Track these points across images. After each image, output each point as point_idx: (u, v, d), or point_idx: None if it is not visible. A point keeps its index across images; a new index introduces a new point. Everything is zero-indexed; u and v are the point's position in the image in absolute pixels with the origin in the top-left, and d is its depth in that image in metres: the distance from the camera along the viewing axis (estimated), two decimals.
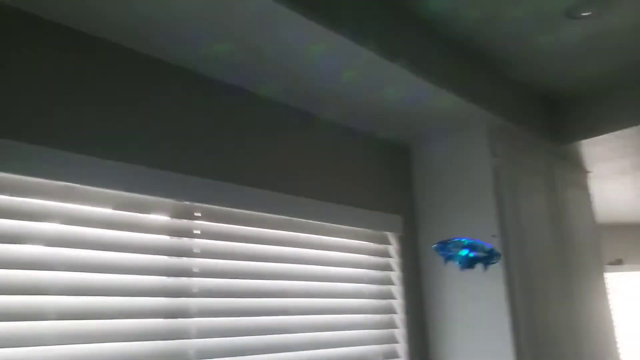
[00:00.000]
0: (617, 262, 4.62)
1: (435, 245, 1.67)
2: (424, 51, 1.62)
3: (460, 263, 1.63)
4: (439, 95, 1.68)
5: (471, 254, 1.68)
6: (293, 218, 1.63)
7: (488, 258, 1.65)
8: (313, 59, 1.43)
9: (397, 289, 1.92)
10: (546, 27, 1.71)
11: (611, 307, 4.62)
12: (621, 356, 4.43)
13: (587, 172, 2.49)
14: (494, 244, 1.67)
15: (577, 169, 2.45)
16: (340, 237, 1.79)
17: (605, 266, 4.70)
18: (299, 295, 1.60)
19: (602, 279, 2.39)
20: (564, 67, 1.99)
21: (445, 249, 1.69)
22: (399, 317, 1.88)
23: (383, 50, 1.43)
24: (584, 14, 1.68)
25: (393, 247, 1.96)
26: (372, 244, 1.89)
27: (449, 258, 1.69)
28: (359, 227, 1.83)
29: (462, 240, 1.60)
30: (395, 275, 1.93)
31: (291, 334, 1.54)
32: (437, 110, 1.80)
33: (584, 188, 2.46)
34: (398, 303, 1.90)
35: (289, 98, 1.67)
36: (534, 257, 1.93)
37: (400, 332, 1.87)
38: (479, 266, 1.50)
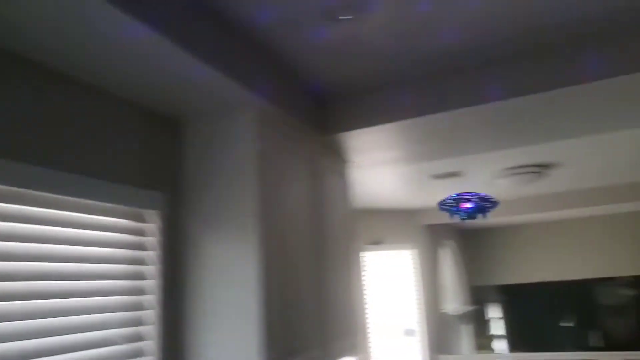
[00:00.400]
0: (377, 242, 5.30)
1: (440, 204, 1.78)
2: (192, 26, 1.56)
3: (462, 215, 1.61)
4: (207, 73, 1.65)
5: (468, 206, 1.81)
6: (23, 189, 1.42)
7: (482, 206, 1.70)
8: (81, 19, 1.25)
9: (152, 269, 1.85)
10: (306, 26, 1.81)
11: (363, 283, 5.25)
12: (369, 327, 5.08)
13: (348, 161, 2.77)
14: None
15: (339, 159, 2.70)
16: (90, 214, 1.63)
17: (361, 246, 5.35)
18: (31, 278, 1.41)
19: (356, 258, 2.67)
20: (331, 65, 2.15)
21: (449, 206, 1.79)
22: (151, 299, 1.82)
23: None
24: (343, 17, 1.83)
25: (153, 225, 1.87)
26: (128, 221, 1.78)
27: (453, 212, 1.67)
28: (114, 203, 1.69)
29: (458, 195, 1.72)
30: (152, 254, 1.86)
31: (18, 321, 1.35)
32: (204, 88, 1.77)
33: (343, 176, 2.73)
34: (152, 284, 1.83)
35: (46, 56, 1.45)
36: (291, 239, 2.05)
37: (150, 314, 1.81)
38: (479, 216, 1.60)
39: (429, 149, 2.77)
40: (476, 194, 1.93)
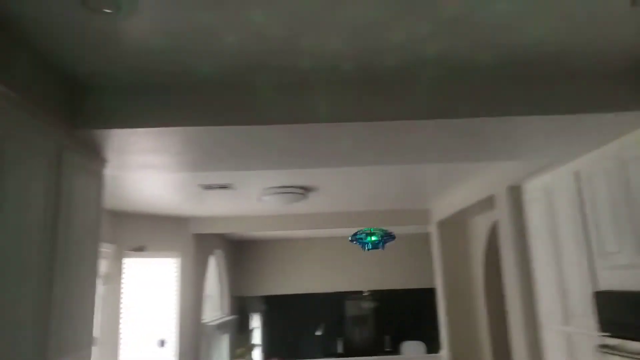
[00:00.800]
0: (139, 249, 5.07)
1: (350, 238, 3.42)
2: None
3: (368, 246, 3.22)
4: None
5: (374, 239, 3.15)
6: None
7: (385, 239, 3.50)
8: None
9: None
10: (64, 12, 1.67)
11: (120, 291, 4.95)
12: (121, 337, 4.78)
13: (105, 161, 2.61)
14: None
15: (95, 157, 2.52)
16: None
17: (123, 252, 5.07)
18: None
19: (96, 260, 2.50)
20: (92, 57, 2.01)
21: (356, 238, 3.25)
22: None
23: None
24: (106, 10, 1.75)
25: None
26: None
27: (362, 244, 3.26)
28: None
29: (366, 230, 2.84)
30: None
31: None
32: None
33: (98, 176, 2.56)
34: None
35: None
36: (16, 236, 1.82)
37: None
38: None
39: (193, 160, 2.80)
40: (381, 230, 2.78)
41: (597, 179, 2.80)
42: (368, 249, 2.76)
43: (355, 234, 2.70)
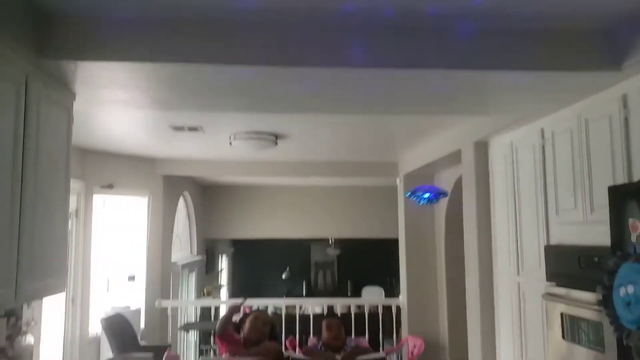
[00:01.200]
0: (109, 187, 5.04)
1: (408, 193, 3.33)
2: None
3: (424, 201, 3.05)
4: None
5: (428, 196, 3.09)
6: None
7: (438, 196, 3.24)
8: None
9: None
10: None
11: (90, 226, 4.96)
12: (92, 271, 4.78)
13: (73, 93, 2.54)
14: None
15: (63, 89, 2.45)
16: None
17: (92, 188, 5.03)
18: None
19: (66, 192, 2.48)
20: None
21: (414, 194, 3.12)
22: None
23: None
24: None
25: None
26: None
27: (418, 199, 3.11)
28: None
29: (423, 188, 2.93)
30: None
31: None
32: None
33: (65, 109, 2.49)
34: None
35: None
36: None
37: None
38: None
39: (163, 97, 2.76)
40: (431, 187, 3.17)
41: (560, 138, 2.92)
42: (423, 204, 3.08)
43: (413, 191, 3.00)
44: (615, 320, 1.99)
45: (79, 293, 4.80)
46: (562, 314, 2.73)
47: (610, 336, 2.21)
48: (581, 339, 2.56)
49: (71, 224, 4.69)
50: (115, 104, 2.95)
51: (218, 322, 3.41)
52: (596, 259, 2.41)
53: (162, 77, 2.40)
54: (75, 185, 4.68)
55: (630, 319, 1.88)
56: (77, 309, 4.77)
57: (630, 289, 1.87)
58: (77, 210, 4.81)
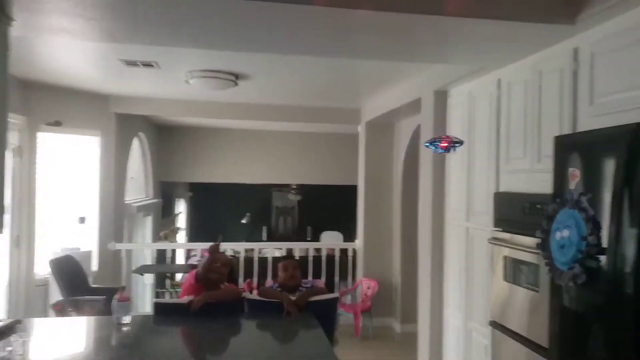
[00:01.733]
0: (56, 124, 4.80)
1: (427, 143, 3.05)
2: None
3: (440, 150, 2.97)
4: None
5: (446, 145, 2.97)
6: None
7: (455, 144, 2.99)
8: None
9: None
10: None
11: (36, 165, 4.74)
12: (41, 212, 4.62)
13: (9, 18, 2.34)
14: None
15: None
16: None
17: (37, 125, 4.79)
18: None
19: (3, 129, 2.35)
20: None
21: (432, 142, 3.01)
22: None
23: None
24: None
25: None
26: None
27: (435, 148, 2.99)
28: None
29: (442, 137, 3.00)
30: None
31: None
32: None
33: (2, 36, 2.31)
34: None
35: None
36: None
37: None
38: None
39: (110, 29, 2.59)
40: (448, 137, 3.11)
41: (515, 88, 2.95)
42: (440, 152, 3.08)
43: (432, 141, 3.02)
44: (550, 261, 2.10)
45: (24, 234, 4.64)
46: (505, 257, 2.86)
47: (544, 277, 2.34)
48: (520, 280, 2.71)
49: (14, 162, 4.47)
50: (60, 33, 2.75)
51: (201, 266, 3.31)
52: (539, 206, 2.51)
53: (110, 3, 2.24)
54: (16, 120, 4.44)
55: (563, 260, 1.99)
56: (23, 251, 4.64)
57: (566, 232, 1.97)
58: (19, 147, 4.58)
